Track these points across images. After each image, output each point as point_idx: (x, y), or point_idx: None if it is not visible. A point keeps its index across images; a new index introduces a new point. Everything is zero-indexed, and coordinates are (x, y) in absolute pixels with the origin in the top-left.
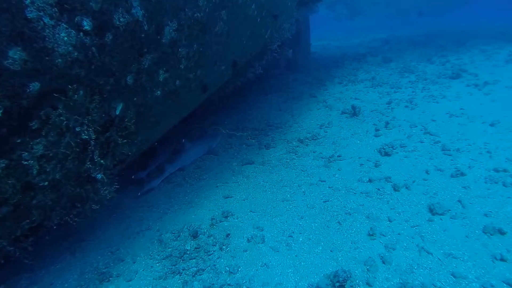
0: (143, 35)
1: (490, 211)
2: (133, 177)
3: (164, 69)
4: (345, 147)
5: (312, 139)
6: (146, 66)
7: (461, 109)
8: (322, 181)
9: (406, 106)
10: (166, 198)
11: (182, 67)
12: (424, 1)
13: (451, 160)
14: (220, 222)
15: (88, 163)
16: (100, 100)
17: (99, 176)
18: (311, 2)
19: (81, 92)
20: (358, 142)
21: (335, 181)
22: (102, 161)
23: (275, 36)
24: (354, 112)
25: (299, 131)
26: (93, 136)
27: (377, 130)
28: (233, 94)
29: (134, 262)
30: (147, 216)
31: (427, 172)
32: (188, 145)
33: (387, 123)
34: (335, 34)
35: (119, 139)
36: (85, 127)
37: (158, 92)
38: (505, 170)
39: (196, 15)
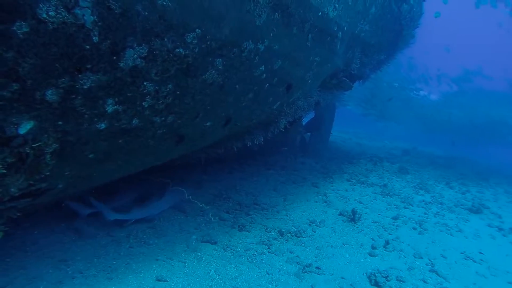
0: (87, 47)
1: None
2: (64, 204)
3: (117, 99)
4: (329, 257)
5: (296, 235)
6: (85, 87)
7: (480, 253)
8: None
9: (414, 228)
10: (92, 255)
11: (146, 106)
12: (455, 129)
13: None
14: None
15: None
16: None
17: None
18: (334, 88)
19: None
20: (347, 256)
21: None
22: None
23: (286, 111)
24: (353, 218)
25: (285, 221)
26: None
27: (373, 247)
28: (231, 159)
29: None
30: (48, 274)
31: None
32: (168, 191)
33: (387, 242)
34: (359, 132)
35: (17, 165)
36: None
37: (102, 125)
38: None
39: (178, 50)
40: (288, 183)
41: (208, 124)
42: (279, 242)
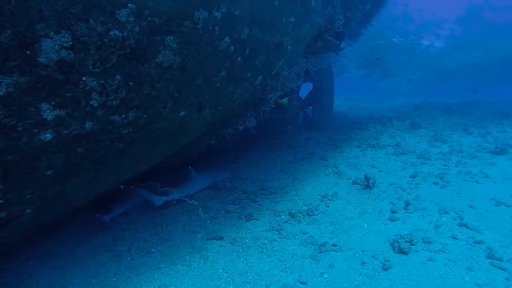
0: None
1: None
2: (96, 216)
3: (54, 103)
4: (346, 231)
5: (307, 214)
6: (1, 94)
7: None
8: (301, 284)
9: (435, 183)
10: (90, 275)
11: (96, 104)
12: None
13: (506, 280)
14: None
15: None
16: None
17: None
18: (322, 51)
19: None
20: (366, 226)
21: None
22: None
23: (271, 84)
24: (367, 184)
25: (295, 201)
26: None
27: (393, 212)
28: (233, 148)
29: None
30: None
31: None
32: (194, 173)
33: (407, 203)
34: (365, 96)
35: None
36: None
37: (47, 135)
38: None
39: (113, 33)
40: (296, 162)
41: (182, 114)
42: (290, 225)
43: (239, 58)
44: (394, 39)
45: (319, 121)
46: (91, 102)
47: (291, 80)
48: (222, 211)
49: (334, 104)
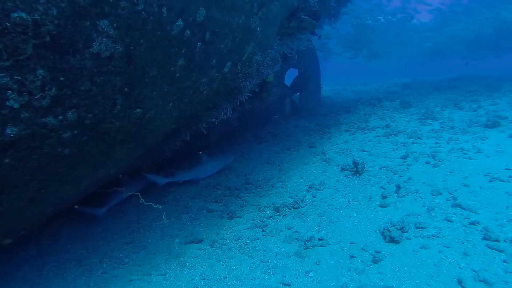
0: None
1: None
2: (76, 207)
3: None
4: (334, 222)
5: (293, 207)
6: None
7: (507, 169)
8: (285, 286)
9: (427, 163)
10: None
11: (17, 106)
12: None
13: (504, 262)
14: None
15: None
16: None
17: None
18: (297, 32)
19: None
20: (355, 215)
21: None
22: None
23: (244, 71)
24: (356, 170)
25: (280, 194)
26: None
27: (384, 197)
28: (217, 143)
29: None
30: None
31: (460, 283)
32: (205, 158)
33: (398, 187)
34: (354, 79)
35: None
36: None
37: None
38: None
39: (16, 15)
40: (283, 151)
41: (138, 111)
42: (274, 220)
43: (199, 43)
44: (380, 18)
45: (307, 107)
46: (8, 103)
47: (266, 65)
48: (204, 211)
49: (322, 89)
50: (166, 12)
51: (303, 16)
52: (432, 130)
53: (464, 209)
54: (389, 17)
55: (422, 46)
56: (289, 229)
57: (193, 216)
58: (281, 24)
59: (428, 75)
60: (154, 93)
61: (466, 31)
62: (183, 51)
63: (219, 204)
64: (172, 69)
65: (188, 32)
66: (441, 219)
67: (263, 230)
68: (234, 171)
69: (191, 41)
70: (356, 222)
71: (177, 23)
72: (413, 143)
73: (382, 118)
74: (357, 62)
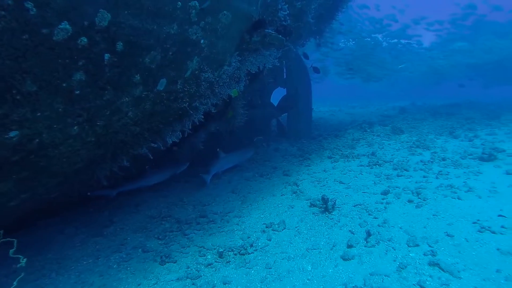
0: None
1: None
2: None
3: None
4: (281, 278)
5: (239, 252)
6: None
7: (500, 216)
8: None
9: (410, 201)
10: None
11: None
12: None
13: None
14: None
15: None
16: None
17: None
18: (261, 47)
19: None
20: (309, 269)
21: None
22: None
23: (190, 91)
24: (326, 207)
25: (232, 233)
26: None
27: (349, 246)
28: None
29: None
30: None
31: None
32: (222, 155)
33: (368, 233)
34: (352, 101)
35: None
36: None
37: None
38: None
39: None
40: (254, 178)
41: (13, 134)
42: (212, 269)
43: (107, 55)
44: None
45: (294, 129)
46: None
47: (222, 84)
48: (140, 250)
49: (317, 110)
50: (34, 10)
51: (267, 31)
52: (421, 161)
53: (443, 270)
54: (388, 38)
55: (423, 71)
56: (224, 285)
57: (124, 256)
58: (241, 38)
59: (430, 98)
60: (39, 114)
61: (469, 58)
62: (80, 63)
63: (160, 242)
64: (64, 85)
65: (85, 40)
66: (412, 283)
67: (193, 284)
68: (193, 199)
69: (91, 51)
70: (307, 280)
71: (61, 27)
72: (398, 175)
73: (370, 144)
74: (357, 85)
